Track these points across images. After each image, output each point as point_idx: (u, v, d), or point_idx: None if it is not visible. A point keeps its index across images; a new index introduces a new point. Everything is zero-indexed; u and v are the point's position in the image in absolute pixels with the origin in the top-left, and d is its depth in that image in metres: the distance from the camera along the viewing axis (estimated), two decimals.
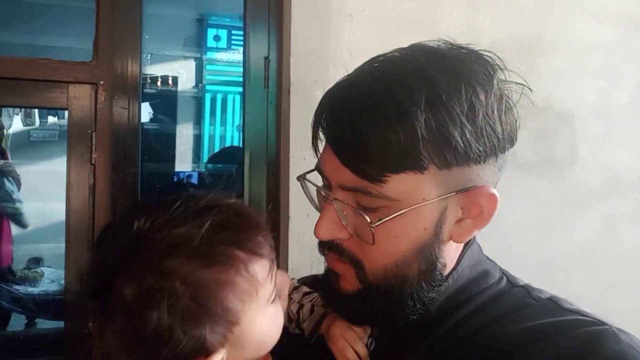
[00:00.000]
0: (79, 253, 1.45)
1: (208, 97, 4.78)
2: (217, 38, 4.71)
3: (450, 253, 0.66)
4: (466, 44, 0.64)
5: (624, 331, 0.60)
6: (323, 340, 0.73)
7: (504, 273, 0.71)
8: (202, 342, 0.53)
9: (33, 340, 2.64)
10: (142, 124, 4.38)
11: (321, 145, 0.66)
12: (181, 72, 4.67)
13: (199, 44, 4.72)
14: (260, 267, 0.57)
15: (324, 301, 0.74)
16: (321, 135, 0.64)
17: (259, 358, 0.63)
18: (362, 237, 0.62)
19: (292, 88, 1.49)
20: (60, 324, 1.92)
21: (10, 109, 3.77)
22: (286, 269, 1.45)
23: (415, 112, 0.57)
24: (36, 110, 3.98)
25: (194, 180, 4.34)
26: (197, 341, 0.53)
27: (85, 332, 1.45)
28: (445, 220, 0.62)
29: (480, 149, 0.60)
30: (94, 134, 1.45)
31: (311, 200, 0.70)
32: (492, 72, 0.61)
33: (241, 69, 1.79)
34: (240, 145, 2.26)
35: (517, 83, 0.65)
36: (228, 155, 3.99)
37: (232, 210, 0.58)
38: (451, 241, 0.65)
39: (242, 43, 1.98)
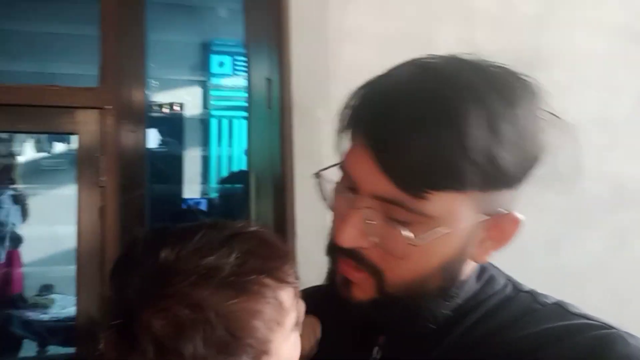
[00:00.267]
0: (90, 274, 1.47)
1: (214, 122, 4.85)
2: (221, 64, 4.79)
3: (466, 270, 0.66)
4: (501, 63, 0.63)
5: (632, 335, 0.59)
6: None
7: (508, 279, 0.70)
8: None
9: None
10: (150, 148, 4.45)
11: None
12: (187, 98, 4.74)
13: (203, 70, 4.81)
14: (287, 295, 0.56)
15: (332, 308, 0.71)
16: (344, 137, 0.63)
17: None
18: (390, 249, 0.60)
19: (295, 108, 1.52)
20: (71, 350, 1.93)
21: (21, 137, 3.84)
22: None
23: (468, 130, 0.55)
24: (46, 137, 4.05)
25: (203, 207, 4.37)
26: None
27: (95, 355, 1.45)
28: (472, 241, 0.62)
29: (519, 176, 0.60)
30: (102, 157, 1.48)
31: (325, 198, 0.67)
32: (534, 98, 0.61)
33: (245, 94, 1.82)
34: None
35: (551, 113, 0.63)
36: (237, 179, 4.02)
37: (258, 238, 0.58)
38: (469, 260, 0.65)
39: (245, 68, 2.02)
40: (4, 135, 3.27)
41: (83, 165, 1.48)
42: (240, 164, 4.66)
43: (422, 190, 0.57)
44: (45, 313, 3.18)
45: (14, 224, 3.31)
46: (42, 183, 3.91)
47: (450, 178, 0.57)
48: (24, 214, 3.37)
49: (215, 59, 4.82)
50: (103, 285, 1.45)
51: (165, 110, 4.55)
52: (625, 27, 1.83)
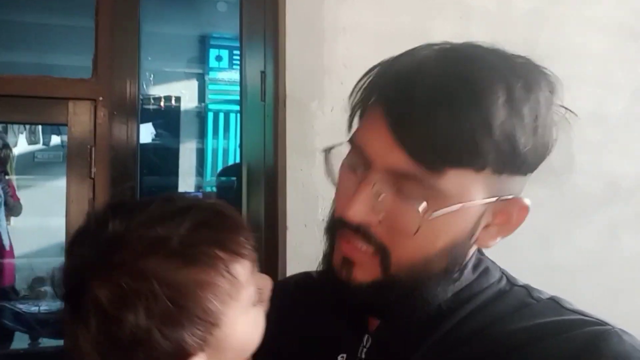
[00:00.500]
0: None
1: (211, 115, 4.84)
2: (218, 58, 4.79)
3: (469, 255, 0.66)
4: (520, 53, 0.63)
5: (626, 332, 0.59)
6: None
7: (503, 272, 0.71)
8: (181, 345, 0.51)
9: (34, 358, 2.65)
10: (144, 141, 4.43)
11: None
12: (184, 92, 4.74)
13: (201, 63, 4.80)
14: (242, 268, 0.56)
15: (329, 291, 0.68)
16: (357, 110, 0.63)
17: None
18: (399, 226, 0.59)
19: (288, 101, 1.51)
20: (63, 342, 1.92)
21: (15, 129, 3.83)
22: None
23: (492, 110, 0.55)
24: (40, 129, 4.04)
25: None
26: (175, 344, 0.51)
27: None
28: (480, 224, 0.62)
29: (532, 163, 0.60)
30: (93, 149, 1.48)
31: (330, 175, 0.66)
32: (553, 89, 0.61)
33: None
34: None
35: (565, 108, 0.64)
36: (235, 171, 4.02)
37: (212, 210, 0.57)
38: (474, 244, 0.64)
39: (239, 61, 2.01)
40: None
41: (74, 156, 1.47)
42: (236, 157, 4.67)
43: (440, 165, 0.56)
44: (37, 305, 3.18)
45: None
46: (37, 175, 3.91)
47: (470, 155, 0.56)
48: (15, 208, 3.36)
49: (212, 53, 4.82)
50: None
51: (162, 103, 4.54)
52: (621, 24, 1.83)
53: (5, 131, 3.61)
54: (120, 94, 1.52)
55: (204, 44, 4.78)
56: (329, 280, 0.66)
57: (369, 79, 0.64)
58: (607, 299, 1.65)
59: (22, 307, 3.14)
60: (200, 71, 4.81)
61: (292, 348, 0.73)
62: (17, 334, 3.12)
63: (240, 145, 1.81)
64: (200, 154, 4.83)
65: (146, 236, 0.52)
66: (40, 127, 3.92)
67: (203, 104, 4.82)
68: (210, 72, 4.82)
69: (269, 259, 1.49)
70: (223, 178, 3.95)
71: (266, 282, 0.63)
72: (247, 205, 1.70)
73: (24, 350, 3.05)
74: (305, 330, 0.74)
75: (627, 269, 1.72)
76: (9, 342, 3.09)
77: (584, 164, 1.75)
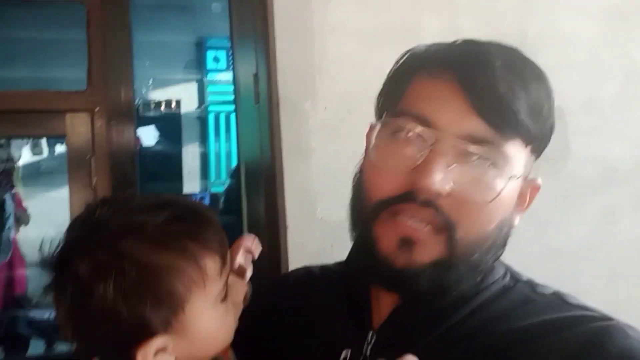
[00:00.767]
0: None
1: (212, 116, 4.86)
2: (216, 59, 4.80)
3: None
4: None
5: (631, 326, 0.60)
6: None
7: (507, 268, 0.71)
8: (145, 322, 0.56)
9: None
10: (147, 147, 4.46)
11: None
12: (183, 95, 4.76)
13: (199, 66, 4.82)
14: (211, 262, 0.59)
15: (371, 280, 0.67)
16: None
17: (219, 353, 0.65)
18: (471, 195, 0.59)
19: (282, 102, 1.53)
20: None
21: (19, 141, 3.88)
22: None
23: (546, 91, 0.62)
24: (44, 140, 4.08)
25: (206, 201, 4.39)
26: (139, 321, 0.56)
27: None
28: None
29: (544, 147, 0.65)
30: (92, 159, 1.50)
31: (374, 150, 0.64)
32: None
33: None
34: None
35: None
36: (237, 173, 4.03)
37: (189, 207, 0.62)
38: None
39: (232, 65, 2.03)
40: (1, 141, 3.32)
41: (74, 167, 1.50)
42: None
43: (511, 134, 0.59)
44: (50, 312, 3.24)
45: (9, 228, 3.35)
46: (41, 185, 3.95)
47: (528, 128, 0.60)
48: (23, 218, 3.42)
49: (210, 55, 4.84)
50: None
51: (163, 107, 4.56)
52: (610, 7, 1.83)
53: (9, 144, 3.66)
54: (116, 103, 1.55)
55: (200, 46, 4.80)
56: (372, 270, 0.63)
57: (408, 58, 0.67)
58: (604, 284, 1.67)
59: (36, 314, 3.20)
60: (198, 74, 4.84)
61: (294, 343, 0.73)
62: (33, 341, 3.18)
63: (237, 148, 1.83)
64: (204, 157, 4.86)
65: (126, 222, 0.58)
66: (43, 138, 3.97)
67: (203, 106, 4.84)
68: (209, 74, 4.84)
69: (271, 258, 1.51)
70: (221, 179, 3.98)
71: (243, 288, 0.66)
72: (247, 206, 1.73)
73: (39, 357, 3.11)
74: (307, 326, 0.74)
75: (623, 253, 1.73)
76: (25, 349, 3.15)
77: (579, 150, 1.76)
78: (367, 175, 0.66)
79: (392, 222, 0.61)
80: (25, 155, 4.16)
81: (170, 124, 4.62)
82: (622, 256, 1.73)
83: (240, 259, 0.68)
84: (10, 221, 3.33)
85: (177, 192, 4.24)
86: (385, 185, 0.62)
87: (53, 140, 4.03)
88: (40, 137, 3.65)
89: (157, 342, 0.57)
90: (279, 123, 1.54)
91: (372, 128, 0.71)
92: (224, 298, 0.62)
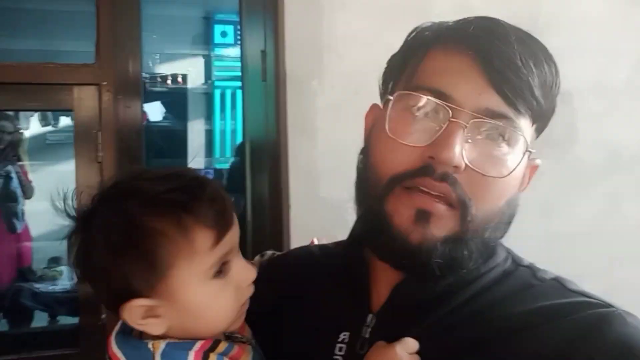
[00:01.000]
0: None
1: (218, 92, 4.84)
2: (223, 34, 4.76)
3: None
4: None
5: (630, 313, 0.60)
6: None
7: (508, 252, 0.70)
8: (128, 279, 0.59)
9: (53, 335, 2.78)
10: (153, 122, 4.44)
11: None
12: (190, 69, 4.73)
13: (206, 41, 4.78)
14: (202, 235, 0.60)
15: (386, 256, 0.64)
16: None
17: (237, 331, 0.67)
18: (484, 169, 0.60)
19: (289, 80, 1.53)
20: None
21: (27, 113, 3.88)
22: None
23: (554, 71, 0.62)
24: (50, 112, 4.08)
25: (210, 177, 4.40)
26: (124, 277, 0.59)
27: (98, 324, 1.51)
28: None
29: (546, 124, 0.65)
30: (99, 133, 1.51)
31: (388, 124, 0.63)
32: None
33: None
34: None
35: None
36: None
37: (193, 179, 0.64)
38: None
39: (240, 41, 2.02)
40: (9, 112, 3.32)
41: (81, 141, 1.51)
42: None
43: (524, 109, 0.60)
44: (54, 284, 3.28)
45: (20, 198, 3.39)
46: (48, 158, 3.96)
47: (539, 106, 0.61)
48: (27, 191, 3.44)
49: (218, 29, 4.80)
50: None
51: (169, 82, 4.55)
52: None
53: (17, 115, 3.66)
54: (124, 78, 1.55)
55: (208, 20, 4.76)
56: (385, 246, 0.63)
57: (420, 32, 0.67)
58: (607, 266, 1.68)
59: (40, 286, 3.24)
60: (205, 48, 4.81)
61: (292, 325, 0.73)
62: (37, 313, 3.23)
63: (243, 125, 1.83)
64: (209, 133, 4.85)
65: (134, 186, 0.62)
66: None
67: (210, 82, 4.82)
68: (216, 49, 4.81)
69: (274, 235, 1.52)
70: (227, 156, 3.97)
71: (248, 273, 0.66)
72: (251, 183, 1.73)
73: (43, 329, 3.16)
74: (305, 307, 0.74)
75: (626, 237, 1.73)
76: (29, 321, 3.20)
77: (586, 134, 1.75)
78: (379, 150, 0.65)
79: (407, 196, 0.61)
80: (33, 127, 4.17)
81: (176, 99, 4.60)
82: (625, 241, 1.73)
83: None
84: (19, 192, 3.36)
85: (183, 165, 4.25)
86: (400, 160, 0.61)
87: (60, 113, 4.03)
88: (47, 110, 3.64)
89: (140, 302, 0.60)
90: (285, 101, 1.54)
91: (372, 108, 0.71)
92: (218, 275, 0.62)
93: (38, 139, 4.23)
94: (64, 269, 3.38)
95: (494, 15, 0.66)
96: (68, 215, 0.64)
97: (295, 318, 0.73)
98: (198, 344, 0.62)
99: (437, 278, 0.63)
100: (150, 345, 0.62)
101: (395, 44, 0.73)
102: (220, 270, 0.63)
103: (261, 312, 0.71)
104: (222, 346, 0.64)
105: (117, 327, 0.66)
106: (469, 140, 0.59)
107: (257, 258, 0.93)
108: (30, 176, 3.62)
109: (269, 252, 0.87)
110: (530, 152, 0.62)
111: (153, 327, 0.61)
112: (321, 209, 1.45)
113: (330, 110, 1.53)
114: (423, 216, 0.60)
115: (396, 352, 0.59)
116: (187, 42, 4.72)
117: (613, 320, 0.58)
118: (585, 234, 1.71)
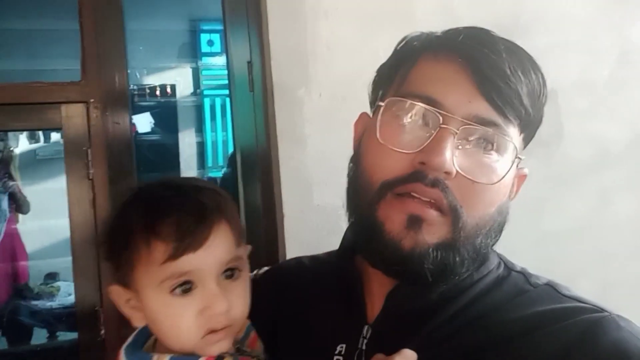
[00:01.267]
0: (86, 265, 1.51)
1: (207, 102, 4.84)
2: (210, 43, 4.76)
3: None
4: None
5: (624, 318, 0.61)
6: None
7: (500, 258, 0.71)
8: (118, 271, 0.67)
9: (52, 351, 2.77)
10: (143, 134, 4.43)
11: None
12: (178, 79, 4.72)
13: (193, 51, 4.78)
14: (161, 248, 0.62)
15: (380, 263, 0.65)
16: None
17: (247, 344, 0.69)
18: (475, 175, 0.60)
19: (276, 89, 1.53)
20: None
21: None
22: None
23: (541, 80, 0.63)
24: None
25: None
26: (116, 267, 0.67)
27: (98, 340, 1.51)
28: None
29: (534, 133, 0.66)
30: (89, 150, 1.51)
31: (379, 131, 0.64)
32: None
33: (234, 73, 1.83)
34: None
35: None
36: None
37: (189, 196, 0.65)
38: None
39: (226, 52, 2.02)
40: None
41: (71, 158, 1.50)
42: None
43: (513, 117, 0.61)
44: (52, 301, 3.28)
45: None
46: (39, 173, 3.95)
47: (527, 114, 0.62)
48: (23, 206, 3.43)
49: (204, 38, 4.80)
50: (100, 272, 1.50)
51: (157, 94, 4.53)
52: None
53: (6, 133, 3.65)
54: (111, 94, 1.54)
55: (194, 29, 4.76)
56: (377, 253, 0.63)
57: (410, 40, 0.69)
58: (598, 264, 1.69)
59: (37, 303, 3.23)
60: (192, 58, 4.80)
61: (288, 339, 0.73)
62: (36, 330, 3.21)
63: (233, 136, 1.83)
64: (200, 144, 4.84)
65: (144, 188, 0.70)
66: None
67: (198, 91, 4.82)
68: (204, 58, 4.81)
69: (269, 246, 1.52)
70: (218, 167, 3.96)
71: (216, 302, 0.63)
72: (243, 193, 1.74)
73: (42, 346, 3.15)
74: (300, 319, 0.74)
75: (617, 233, 1.75)
76: (28, 338, 3.19)
77: (572, 131, 1.77)
78: (370, 157, 0.66)
79: (399, 202, 0.61)
80: (22, 144, 4.16)
81: (165, 111, 4.59)
82: (616, 237, 1.75)
83: None
84: (7, 213, 3.35)
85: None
86: (391, 166, 0.62)
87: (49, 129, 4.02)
88: (36, 130, 3.64)
89: (116, 288, 0.67)
90: (274, 110, 1.54)
91: (361, 117, 0.73)
92: (177, 292, 0.63)
93: (28, 154, 4.21)
94: (61, 284, 3.37)
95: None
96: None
97: (292, 332, 0.73)
98: None
99: (429, 285, 0.63)
100: (155, 359, 0.64)
101: (379, 49, 0.73)
102: (183, 289, 0.63)
103: (257, 328, 0.72)
104: None
105: (128, 340, 0.69)
106: (459, 147, 0.61)
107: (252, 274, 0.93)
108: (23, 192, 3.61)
109: (265, 269, 0.87)
110: (519, 159, 0.63)
111: (133, 317, 0.67)
112: (315, 216, 1.46)
113: (319, 117, 1.54)
114: (415, 222, 0.61)
115: None
116: (174, 53, 4.72)
117: (607, 325, 0.59)
118: (576, 231, 1.72)
